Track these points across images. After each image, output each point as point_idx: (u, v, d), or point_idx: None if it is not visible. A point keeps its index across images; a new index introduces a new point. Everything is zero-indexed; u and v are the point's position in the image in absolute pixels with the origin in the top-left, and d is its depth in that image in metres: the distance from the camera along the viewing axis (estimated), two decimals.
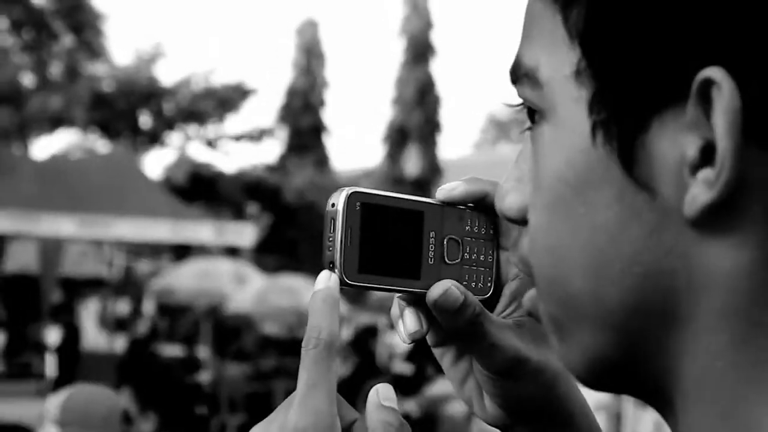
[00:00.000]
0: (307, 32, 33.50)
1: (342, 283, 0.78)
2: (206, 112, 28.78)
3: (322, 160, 32.71)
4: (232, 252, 18.54)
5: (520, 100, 0.66)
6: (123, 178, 16.08)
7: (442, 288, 0.80)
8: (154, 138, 29.18)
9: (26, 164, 16.17)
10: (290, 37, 38.14)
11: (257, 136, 30.28)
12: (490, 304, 0.85)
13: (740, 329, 0.57)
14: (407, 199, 0.83)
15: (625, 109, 0.58)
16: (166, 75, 44.45)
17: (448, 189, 0.85)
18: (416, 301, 0.83)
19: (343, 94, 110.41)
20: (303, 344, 0.74)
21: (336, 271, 0.78)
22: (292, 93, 33.18)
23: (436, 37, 34.05)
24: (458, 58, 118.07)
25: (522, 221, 0.70)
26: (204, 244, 16.57)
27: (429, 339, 0.86)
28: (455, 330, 0.82)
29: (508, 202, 0.71)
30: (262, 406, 12.62)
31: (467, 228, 0.85)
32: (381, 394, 0.77)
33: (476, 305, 0.81)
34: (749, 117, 0.54)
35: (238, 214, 26.31)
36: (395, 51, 33.18)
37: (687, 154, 0.56)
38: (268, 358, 14.32)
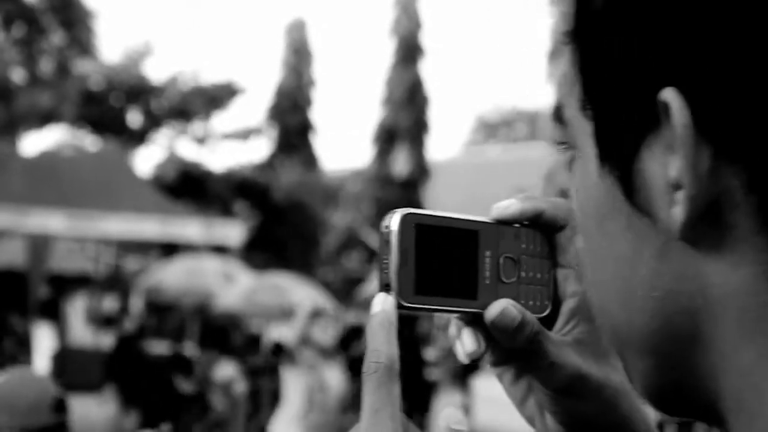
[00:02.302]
0: (296, 32, 33.49)
1: (398, 306, 0.77)
2: (195, 111, 28.79)
3: (310, 160, 32.71)
4: (220, 250, 18.56)
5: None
6: (112, 175, 16.09)
7: (499, 307, 0.80)
8: (142, 135, 29.18)
9: (15, 160, 16.15)
10: (279, 37, 38.03)
11: (246, 135, 30.30)
12: (549, 322, 0.84)
13: (764, 345, 0.57)
14: (461, 219, 0.82)
15: (615, 138, 0.60)
16: (155, 73, 44.32)
17: (502, 207, 0.85)
18: (474, 321, 0.83)
19: (332, 95, 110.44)
20: (364, 370, 0.74)
21: (392, 293, 0.77)
22: (281, 92, 33.17)
23: (425, 39, 34.08)
24: (448, 59, 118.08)
25: None
26: (192, 242, 16.58)
27: (488, 358, 0.86)
28: (514, 349, 0.81)
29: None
30: (250, 404, 12.66)
31: (523, 246, 0.85)
32: (451, 418, 0.78)
33: (534, 324, 0.80)
34: (714, 134, 0.55)
35: (227, 213, 26.31)
36: (385, 52, 33.34)
37: (669, 175, 0.57)
38: (257, 356, 14.34)
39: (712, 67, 0.55)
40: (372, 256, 29.22)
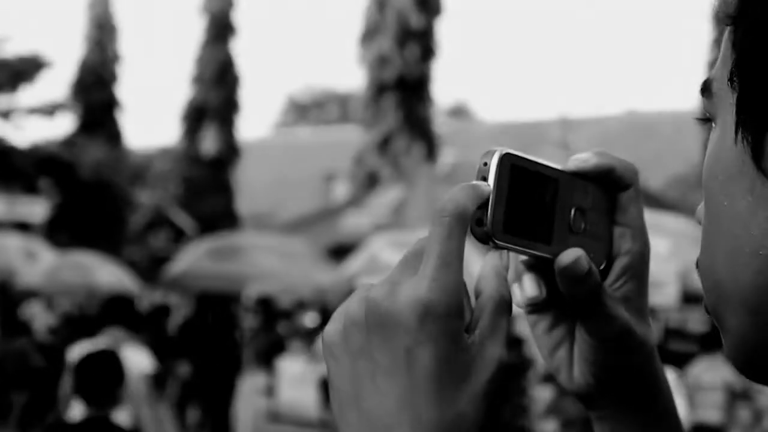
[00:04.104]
0: (99, 5, 32.72)
1: (488, 239, 0.78)
2: None
3: (115, 137, 32.07)
4: (22, 227, 18.06)
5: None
6: None
7: (573, 255, 0.81)
8: None
9: None
10: (82, 10, 36.99)
11: (51, 110, 29.47)
12: (602, 276, 0.86)
13: None
14: (547, 166, 0.83)
15: (755, 108, 0.67)
16: None
17: (582, 159, 0.86)
18: (536, 267, 0.86)
19: (139, 71, 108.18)
20: (437, 211, 0.74)
21: (485, 227, 0.78)
22: (85, 67, 32.38)
23: (237, 17, 33.85)
24: (259, 38, 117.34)
25: None
26: None
27: (530, 303, 0.88)
28: (575, 297, 0.83)
29: (698, 209, 0.79)
30: (47, 382, 12.40)
31: (591, 200, 0.86)
32: (494, 264, 0.79)
33: (597, 275, 0.83)
34: None
35: (30, 190, 25.58)
36: (195, 29, 33.01)
37: None
38: (57, 333, 14.05)
39: None
40: (179, 235, 28.93)
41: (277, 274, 13.94)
